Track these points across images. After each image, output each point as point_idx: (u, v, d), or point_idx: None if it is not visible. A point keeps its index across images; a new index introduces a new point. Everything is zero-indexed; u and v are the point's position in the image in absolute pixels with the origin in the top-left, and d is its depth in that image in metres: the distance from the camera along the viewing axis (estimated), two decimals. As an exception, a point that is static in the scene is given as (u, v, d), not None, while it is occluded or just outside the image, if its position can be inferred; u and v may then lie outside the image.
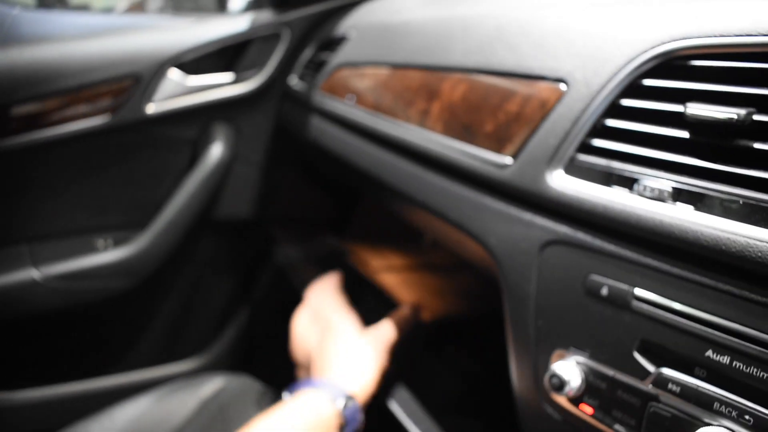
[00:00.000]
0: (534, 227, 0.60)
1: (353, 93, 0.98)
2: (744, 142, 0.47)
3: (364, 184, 0.95)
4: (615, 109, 0.56)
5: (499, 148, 0.65)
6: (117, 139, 1.23)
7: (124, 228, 1.30)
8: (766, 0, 0.51)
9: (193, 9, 1.95)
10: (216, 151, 1.26)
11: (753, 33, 0.48)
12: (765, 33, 0.47)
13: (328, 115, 1.05)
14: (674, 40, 0.53)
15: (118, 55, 1.20)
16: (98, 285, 1.24)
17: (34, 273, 1.19)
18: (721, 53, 0.51)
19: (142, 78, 1.20)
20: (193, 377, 1.01)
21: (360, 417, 0.80)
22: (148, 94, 1.22)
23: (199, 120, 1.28)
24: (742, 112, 0.47)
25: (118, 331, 1.38)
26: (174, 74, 1.23)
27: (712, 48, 0.51)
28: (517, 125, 0.64)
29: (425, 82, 0.80)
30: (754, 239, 0.44)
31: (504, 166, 0.64)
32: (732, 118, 0.47)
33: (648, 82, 0.55)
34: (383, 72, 0.91)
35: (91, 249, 1.28)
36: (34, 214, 1.23)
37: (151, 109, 1.22)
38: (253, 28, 1.26)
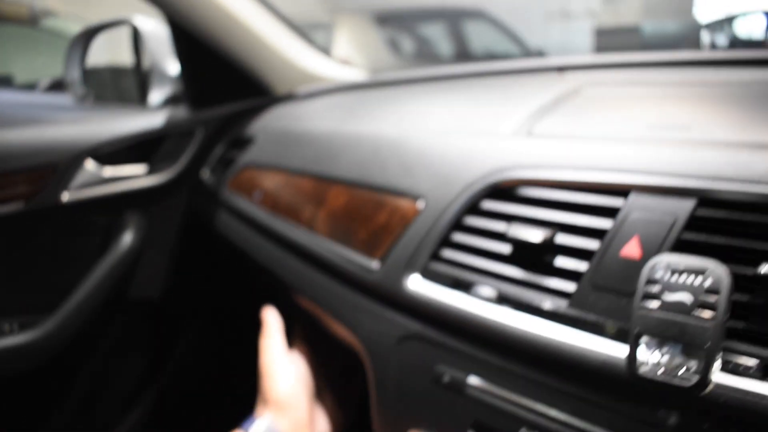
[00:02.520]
0: (394, 324, 0.70)
1: (257, 192, 1.08)
2: (549, 258, 0.60)
3: (262, 276, 1.04)
4: (459, 226, 0.68)
5: (370, 253, 0.76)
6: (30, 225, 1.28)
7: (31, 311, 1.33)
8: (575, 142, 0.65)
9: (115, 97, 2.02)
10: (127, 238, 1.32)
11: (560, 167, 0.62)
12: (567, 167, 0.61)
13: (233, 210, 1.14)
14: (504, 171, 0.66)
15: (37, 146, 1.27)
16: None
17: (-63, 356, 1.21)
18: (537, 184, 0.64)
19: (59, 168, 1.27)
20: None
21: None
22: (63, 183, 1.28)
23: (113, 208, 1.34)
24: (548, 234, 0.59)
25: (19, 414, 1.38)
26: (90, 165, 1.30)
27: (529, 181, 0.64)
28: (384, 234, 0.75)
29: (315, 190, 0.91)
30: (553, 339, 0.55)
31: (372, 270, 0.74)
32: (538, 241, 0.59)
33: (484, 204, 0.67)
34: (282, 176, 1.02)
35: (-4, 332, 1.30)
36: None
37: (66, 197, 1.28)
38: (169, 125, 1.35)
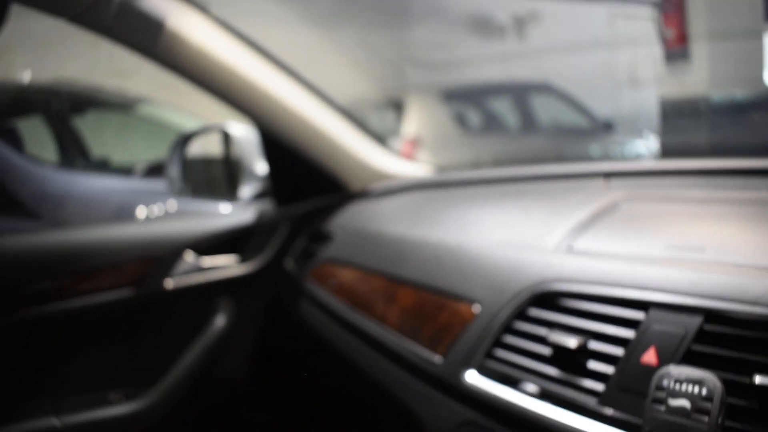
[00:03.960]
0: (453, 411, 0.83)
1: (335, 284, 1.23)
2: (582, 361, 0.71)
3: (336, 362, 1.17)
4: (509, 329, 0.81)
5: (434, 349, 0.89)
6: (137, 309, 1.47)
7: (135, 384, 1.51)
8: (607, 260, 0.77)
9: (206, 185, 2.25)
10: (220, 321, 1.49)
11: (592, 282, 0.74)
12: (599, 282, 0.73)
13: (314, 299, 1.30)
14: (546, 283, 0.79)
15: (145, 240, 1.47)
16: (110, 434, 1.43)
17: (55, 422, 1.39)
18: (573, 296, 0.76)
19: (163, 259, 1.46)
20: None
21: None
22: (167, 272, 1.47)
23: (208, 294, 1.52)
24: (581, 341, 0.71)
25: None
26: (189, 256, 1.49)
27: (566, 293, 0.76)
28: (446, 333, 0.88)
29: (386, 288, 1.05)
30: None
31: (436, 364, 0.87)
32: (574, 346, 0.71)
33: (531, 311, 0.79)
34: (357, 273, 1.17)
35: (106, 402, 1.48)
36: (61, 372, 1.44)
37: (169, 284, 1.47)
38: (258, 220, 1.54)
